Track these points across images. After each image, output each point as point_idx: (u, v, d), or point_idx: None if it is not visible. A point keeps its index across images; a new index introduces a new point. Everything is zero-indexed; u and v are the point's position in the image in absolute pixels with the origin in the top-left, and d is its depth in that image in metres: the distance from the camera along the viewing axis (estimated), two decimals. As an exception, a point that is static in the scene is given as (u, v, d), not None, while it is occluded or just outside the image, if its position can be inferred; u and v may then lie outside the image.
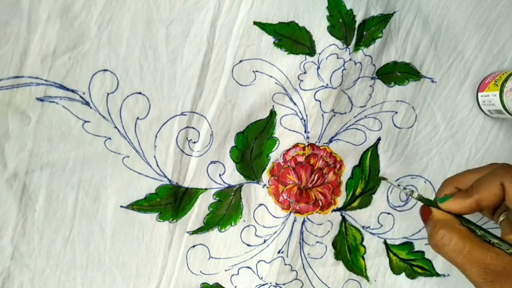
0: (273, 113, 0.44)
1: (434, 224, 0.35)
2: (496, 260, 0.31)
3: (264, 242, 0.46)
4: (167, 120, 0.42)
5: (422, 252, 0.49)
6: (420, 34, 0.45)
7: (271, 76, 0.43)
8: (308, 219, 0.47)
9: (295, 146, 0.45)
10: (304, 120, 0.44)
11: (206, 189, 0.44)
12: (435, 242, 0.34)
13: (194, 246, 0.45)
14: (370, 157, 0.47)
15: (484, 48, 0.46)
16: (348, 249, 0.48)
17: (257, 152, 0.45)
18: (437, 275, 0.50)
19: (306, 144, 0.45)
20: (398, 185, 0.42)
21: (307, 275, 0.48)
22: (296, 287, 0.48)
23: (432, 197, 0.48)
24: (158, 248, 0.44)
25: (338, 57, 0.42)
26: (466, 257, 0.32)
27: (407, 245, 0.49)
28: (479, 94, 0.46)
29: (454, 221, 0.35)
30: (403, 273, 0.49)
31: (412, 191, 0.40)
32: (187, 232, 0.45)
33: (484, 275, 0.31)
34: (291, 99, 0.44)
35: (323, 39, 0.42)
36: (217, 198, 0.45)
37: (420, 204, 0.38)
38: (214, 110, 0.43)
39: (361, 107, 0.45)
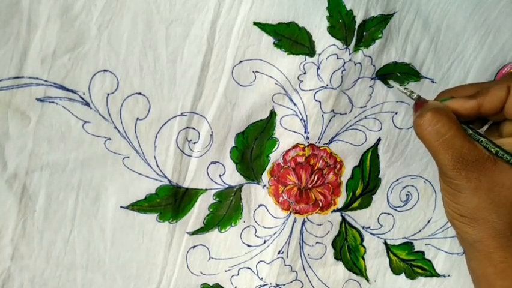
0: (273, 114, 0.44)
1: (427, 106, 0.35)
2: (472, 151, 0.32)
3: (264, 242, 0.46)
4: (167, 121, 0.42)
5: (422, 253, 0.49)
6: (420, 34, 0.45)
7: (271, 77, 0.43)
8: (308, 219, 0.47)
9: (295, 146, 0.45)
10: (304, 121, 0.44)
11: (206, 189, 0.44)
12: (421, 122, 0.34)
13: (194, 246, 0.45)
14: (370, 158, 0.47)
15: (484, 48, 0.46)
16: (348, 250, 0.48)
17: (257, 152, 0.45)
18: (437, 275, 0.50)
19: (306, 144, 0.45)
20: (400, 85, 0.41)
21: (307, 276, 0.48)
22: (296, 288, 0.48)
23: (432, 197, 0.48)
24: (158, 249, 0.44)
25: (337, 58, 0.42)
26: (445, 141, 0.33)
27: (407, 246, 0.49)
28: (479, 94, 0.46)
29: (448, 109, 0.34)
30: (403, 274, 0.49)
31: (412, 92, 0.39)
32: (187, 233, 0.45)
33: (455, 162, 0.32)
34: (291, 99, 0.44)
35: (323, 39, 0.42)
36: (217, 199, 0.45)
37: None
38: (214, 110, 0.43)
39: (361, 107, 0.45)
